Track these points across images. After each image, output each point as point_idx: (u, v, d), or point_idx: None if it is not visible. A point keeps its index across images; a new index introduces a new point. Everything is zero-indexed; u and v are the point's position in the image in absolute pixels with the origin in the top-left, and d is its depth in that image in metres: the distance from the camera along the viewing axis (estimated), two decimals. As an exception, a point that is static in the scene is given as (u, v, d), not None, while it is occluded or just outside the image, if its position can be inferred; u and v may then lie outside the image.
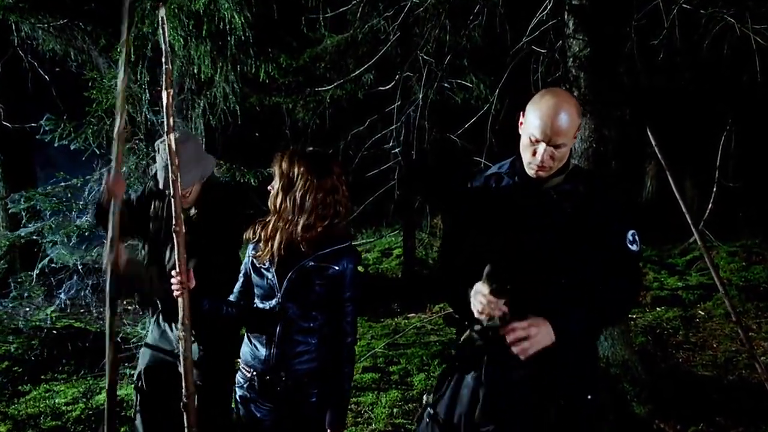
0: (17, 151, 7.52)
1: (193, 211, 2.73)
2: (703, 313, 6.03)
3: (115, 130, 2.41)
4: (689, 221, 4.68)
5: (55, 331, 5.34)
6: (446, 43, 5.59)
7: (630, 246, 2.01)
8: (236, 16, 4.43)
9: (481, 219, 2.12)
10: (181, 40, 4.31)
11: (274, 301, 2.18)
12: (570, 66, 4.21)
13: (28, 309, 6.24)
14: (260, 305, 2.23)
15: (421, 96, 5.36)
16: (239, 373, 2.30)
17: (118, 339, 4.52)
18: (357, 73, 6.94)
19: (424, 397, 2.53)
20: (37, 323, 5.64)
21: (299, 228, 2.14)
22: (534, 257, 2.00)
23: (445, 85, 6.20)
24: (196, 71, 4.87)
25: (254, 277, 2.24)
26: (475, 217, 2.14)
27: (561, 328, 1.86)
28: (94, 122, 4.37)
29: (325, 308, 2.19)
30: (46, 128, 4.18)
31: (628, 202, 2.14)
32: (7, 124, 6.73)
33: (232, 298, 2.32)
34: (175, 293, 2.09)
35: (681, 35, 4.67)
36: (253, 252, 2.24)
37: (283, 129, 10.66)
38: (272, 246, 2.16)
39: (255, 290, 2.25)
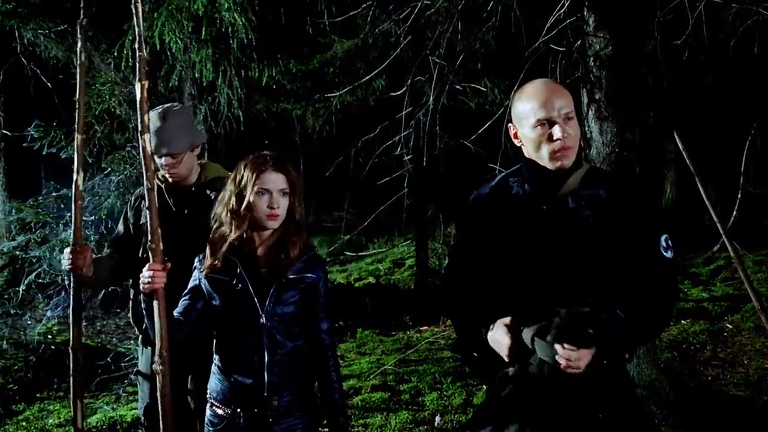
0: (21, 160, 7.37)
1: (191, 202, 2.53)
2: (731, 327, 5.71)
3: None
4: (720, 228, 4.41)
5: (53, 347, 5.15)
6: (459, 46, 5.36)
7: (664, 252, 1.79)
8: (237, 18, 4.22)
9: (491, 234, 1.88)
10: (179, 42, 4.10)
11: (256, 324, 1.95)
12: (591, 66, 3.96)
13: (30, 323, 6.07)
14: (234, 332, 1.99)
15: (431, 100, 5.12)
16: (211, 412, 2.04)
17: (108, 359, 4.32)
18: (367, 78, 6.72)
19: (437, 419, 2.33)
20: (37, 338, 5.47)
21: (292, 237, 1.97)
22: (557, 275, 1.77)
23: (457, 87, 5.99)
24: (198, 75, 4.66)
25: (221, 301, 1.98)
26: (483, 232, 1.91)
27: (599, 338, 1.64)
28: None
29: (303, 323, 2.03)
30: (35, 135, 3.99)
31: (657, 205, 1.90)
32: (7, 132, 6.58)
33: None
34: (144, 287, 1.87)
35: (707, 33, 4.41)
36: (211, 275, 1.97)
37: (292, 136, 10.51)
38: (255, 262, 1.97)
39: (226, 317, 1.99)
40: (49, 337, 5.70)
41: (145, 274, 1.88)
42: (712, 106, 7.85)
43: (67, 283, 4.15)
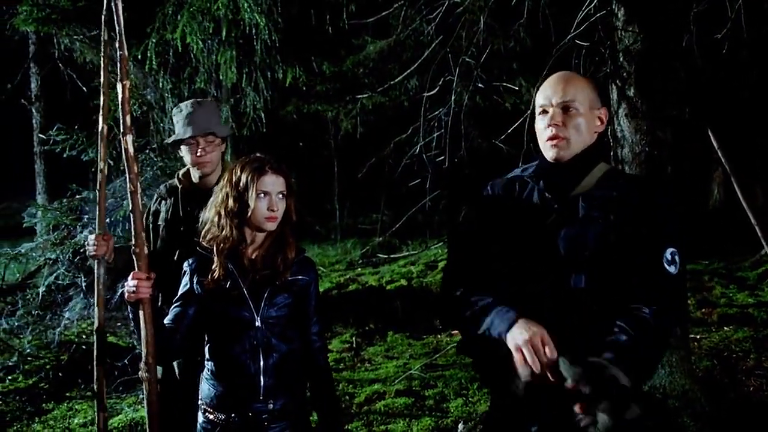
0: (59, 163, 7.53)
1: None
2: (778, 334, 5.43)
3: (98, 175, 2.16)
4: (758, 231, 4.19)
5: (84, 346, 5.23)
6: (481, 42, 5.24)
7: (667, 267, 1.63)
8: (260, 19, 4.19)
9: (501, 233, 1.78)
10: (201, 44, 4.10)
11: (251, 328, 1.92)
12: (621, 62, 3.81)
13: (67, 322, 6.19)
14: (228, 336, 1.95)
15: (453, 98, 5.01)
16: (204, 419, 2.00)
17: (126, 361, 4.35)
18: (399, 78, 6.66)
19: (460, 426, 2.25)
20: (71, 337, 5.58)
21: (288, 238, 1.97)
22: (565, 282, 1.67)
23: (480, 86, 5.84)
24: (223, 78, 4.66)
25: (216, 305, 1.94)
26: (493, 231, 1.80)
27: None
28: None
29: (295, 325, 2.01)
30: (57, 139, 4.06)
31: (676, 210, 1.74)
32: (42, 136, 6.73)
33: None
34: (129, 296, 1.84)
35: (747, 25, 4.19)
36: (202, 279, 1.93)
37: (326, 138, 10.51)
38: (249, 264, 1.95)
39: (220, 321, 1.95)
40: (83, 336, 5.80)
41: (130, 283, 1.86)
42: (760, 103, 7.51)
43: (84, 285, 4.21)
